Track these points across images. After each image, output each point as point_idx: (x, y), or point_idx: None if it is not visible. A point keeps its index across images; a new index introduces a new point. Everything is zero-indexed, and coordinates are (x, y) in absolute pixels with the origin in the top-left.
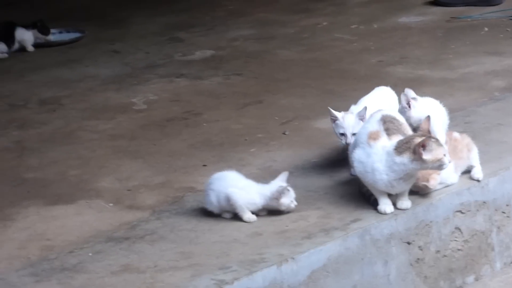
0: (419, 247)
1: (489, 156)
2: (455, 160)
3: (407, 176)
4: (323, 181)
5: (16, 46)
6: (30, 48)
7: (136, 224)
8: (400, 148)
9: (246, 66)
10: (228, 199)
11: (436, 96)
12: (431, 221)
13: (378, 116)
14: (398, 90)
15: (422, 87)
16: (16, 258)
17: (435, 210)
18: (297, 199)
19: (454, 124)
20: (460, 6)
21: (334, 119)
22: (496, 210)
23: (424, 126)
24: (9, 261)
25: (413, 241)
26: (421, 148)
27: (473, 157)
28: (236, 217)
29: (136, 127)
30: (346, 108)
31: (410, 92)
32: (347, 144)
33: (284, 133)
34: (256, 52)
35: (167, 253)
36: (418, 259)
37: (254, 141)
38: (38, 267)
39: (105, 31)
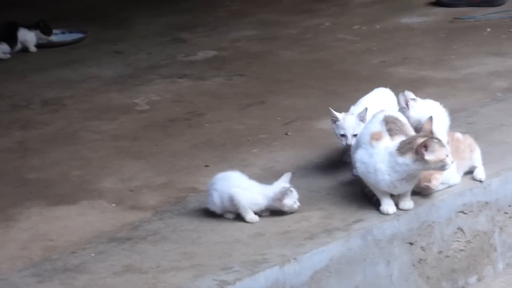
0: (422, 247)
1: (492, 156)
2: (457, 160)
3: (409, 176)
4: (325, 181)
5: (18, 46)
6: (33, 48)
7: (139, 224)
8: (402, 149)
9: (249, 67)
10: (231, 199)
11: (438, 97)
12: (433, 222)
13: (381, 116)
14: (401, 91)
15: (425, 87)
16: (19, 258)
17: (437, 210)
18: (299, 200)
19: (457, 125)
20: (462, 7)
21: (335, 120)
22: (498, 210)
23: (426, 126)
24: (12, 262)
25: (416, 241)
26: (423, 149)
27: (476, 158)
28: (238, 217)
29: (139, 128)
30: (348, 109)
31: (409, 94)
32: (347, 145)
33: (286, 134)
34: (258, 52)
35: (170, 254)
36: (421, 259)
37: (256, 141)
38: (41, 267)
39: (108, 31)
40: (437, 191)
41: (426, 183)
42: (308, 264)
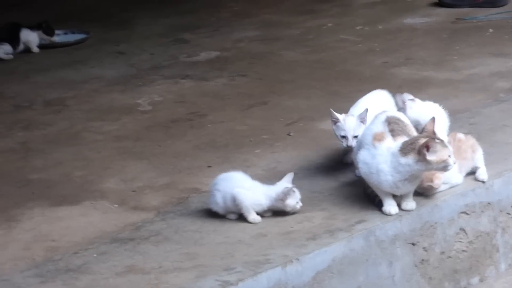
0: (424, 248)
1: (494, 157)
2: (459, 160)
3: (412, 177)
4: (328, 182)
5: (21, 47)
6: (35, 49)
7: (141, 225)
8: (405, 149)
9: (251, 67)
10: (234, 200)
11: (441, 97)
12: (435, 222)
13: (383, 117)
14: (403, 92)
15: (427, 88)
16: (21, 259)
17: (439, 211)
18: (302, 200)
19: (459, 125)
20: (465, 8)
21: (335, 121)
22: (501, 211)
23: (429, 127)
24: (14, 262)
25: (418, 242)
26: (425, 149)
27: (478, 158)
28: (241, 218)
29: (141, 128)
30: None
31: (407, 95)
32: (348, 147)
33: (289, 134)
34: (261, 53)
35: (172, 254)
36: (423, 260)
37: (259, 142)
38: (43, 268)
39: (110, 32)
40: (440, 191)
41: (428, 183)
42: (311, 265)
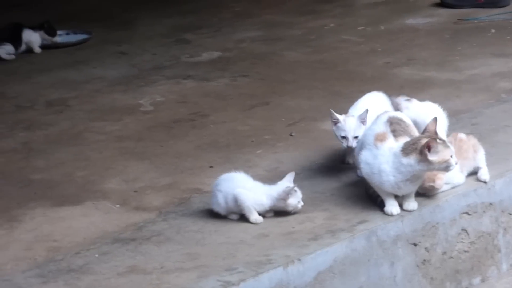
0: (426, 248)
1: (496, 157)
2: (461, 160)
3: (413, 177)
4: (329, 182)
5: (23, 47)
6: (37, 49)
7: (143, 225)
8: (406, 150)
9: (253, 68)
10: (235, 200)
11: (442, 98)
12: (437, 223)
13: (385, 117)
14: (405, 92)
15: (429, 88)
16: (23, 259)
17: (441, 211)
18: (303, 201)
19: (461, 126)
20: (467, 8)
21: (336, 122)
22: (502, 211)
23: (431, 127)
24: (16, 263)
25: (420, 242)
26: (427, 149)
27: (480, 159)
28: (242, 218)
29: (143, 129)
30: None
31: (402, 97)
32: (348, 148)
33: (290, 135)
34: (263, 53)
35: (174, 254)
36: (425, 260)
37: (260, 142)
38: (45, 268)
39: (112, 32)
40: (442, 191)
41: (430, 183)
42: (312, 265)
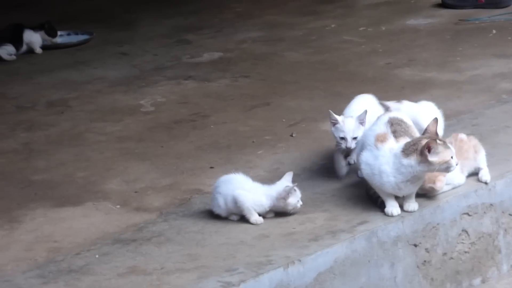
0: (426, 249)
1: (497, 158)
2: (461, 160)
3: (414, 178)
4: (330, 183)
5: (24, 48)
6: (38, 50)
7: (143, 226)
8: (407, 150)
9: (254, 68)
10: (235, 201)
11: (443, 98)
12: (438, 224)
13: (386, 118)
14: (406, 93)
15: (430, 89)
16: (23, 260)
17: (442, 212)
18: (304, 201)
19: (462, 127)
20: (468, 9)
21: (334, 123)
22: (503, 212)
23: (431, 128)
24: (16, 263)
25: (420, 243)
26: (427, 150)
27: (481, 159)
28: (242, 219)
29: (144, 129)
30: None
31: (391, 102)
32: (347, 149)
33: (291, 135)
34: (264, 54)
35: (174, 255)
36: (425, 261)
37: (261, 143)
38: (45, 269)
39: (113, 33)
40: (442, 192)
41: (430, 185)
42: (312, 266)
